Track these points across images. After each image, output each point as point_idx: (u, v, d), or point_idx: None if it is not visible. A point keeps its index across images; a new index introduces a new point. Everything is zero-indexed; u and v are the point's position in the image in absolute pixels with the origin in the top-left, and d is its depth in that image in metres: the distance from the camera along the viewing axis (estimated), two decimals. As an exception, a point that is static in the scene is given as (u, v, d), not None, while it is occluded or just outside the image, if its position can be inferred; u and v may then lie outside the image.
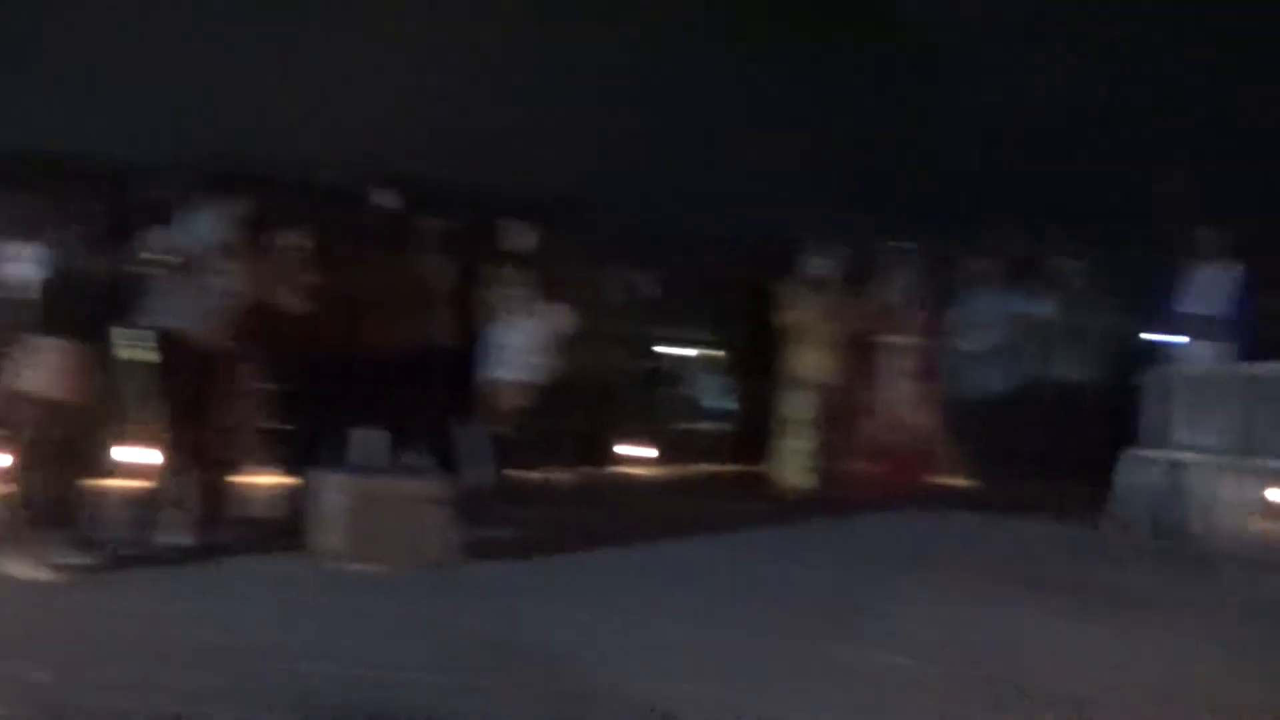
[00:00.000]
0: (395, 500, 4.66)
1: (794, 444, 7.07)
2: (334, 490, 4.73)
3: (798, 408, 7.07)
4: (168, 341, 4.67)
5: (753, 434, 7.88)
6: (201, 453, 4.80)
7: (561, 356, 6.36)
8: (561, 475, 6.79)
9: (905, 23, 8.39)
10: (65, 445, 4.34)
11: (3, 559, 4.36)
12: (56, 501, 4.41)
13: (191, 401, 4.71)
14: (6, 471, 4.82)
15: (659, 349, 10.76)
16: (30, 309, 4.37)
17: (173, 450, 4.78)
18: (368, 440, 5.94)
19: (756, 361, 7.71)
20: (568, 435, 6.89)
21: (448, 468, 5.47)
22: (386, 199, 5.71)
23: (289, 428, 5.84)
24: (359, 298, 5.38)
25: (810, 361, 7.05)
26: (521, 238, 6.19)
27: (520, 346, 6.01)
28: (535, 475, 6.61)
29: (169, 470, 4.79)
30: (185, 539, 4.88)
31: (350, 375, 5.46)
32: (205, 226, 4.77)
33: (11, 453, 4.41)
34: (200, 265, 4.70)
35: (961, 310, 7.15)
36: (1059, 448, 6.85)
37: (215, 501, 4.98)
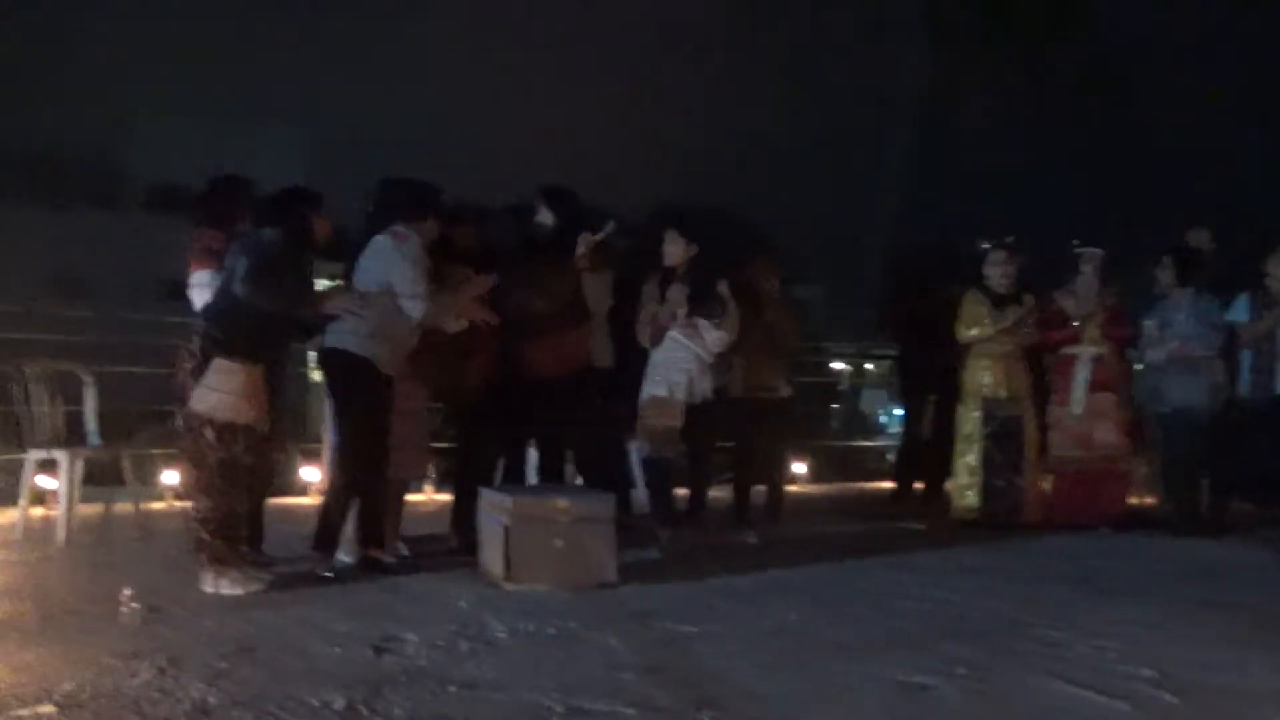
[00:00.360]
0: (556, 520, 4.61)
1: (970, 461, 6.73)
2: (496, 510, 4.72)
3: (975, 423, 6.72)
4: (349, 363, 4.74)
5: (922, 450, 7.57)
6: (374, 471, 4.87)
7: (721, 372, 6.23)
8: (722, 494, 6.66)
9: (1097, 27, 8.02)
10: (245, 466, 4.45)
11: (181, 577, 4.52)
12: (235, 520, 4.53)
13: (369, 422, 4.77)
14: (185, 490, 5.00)
15: (822, 362, 10.54)
16: (214, 332, 4.49)
17: (346, 470, 4.86)
18: (530, 460, 5.99)
19: (925, 373, 7.40)
20: (729, 453, 6.75)
21: (608, 487, 5.43)
22: (546, 216, 5.68)
23: (453, 446, 5.88)
24: (520, 316, 5.37)
25: (989, 374, 6.70)
26: (681, 250, 6.07)
27: (679, 363, 5.89)
28: (696, 493, 6.49)
29: (342, 490, 4.86)
30: (355, 557, 4.97)
31: (512, 394, 5.45)
32: (388, 251, 4.83)
33: (193, 473, 4.56)
34: (384, 289, 4.77)
35: (1152, 318, 6.66)
36: (1260, 467, 6.33)
37: (385, 519, 5.05)
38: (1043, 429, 6.77)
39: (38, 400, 5.77)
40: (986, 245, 6.77)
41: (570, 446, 5.80)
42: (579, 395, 5.52)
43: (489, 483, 5.41)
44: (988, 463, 6.66)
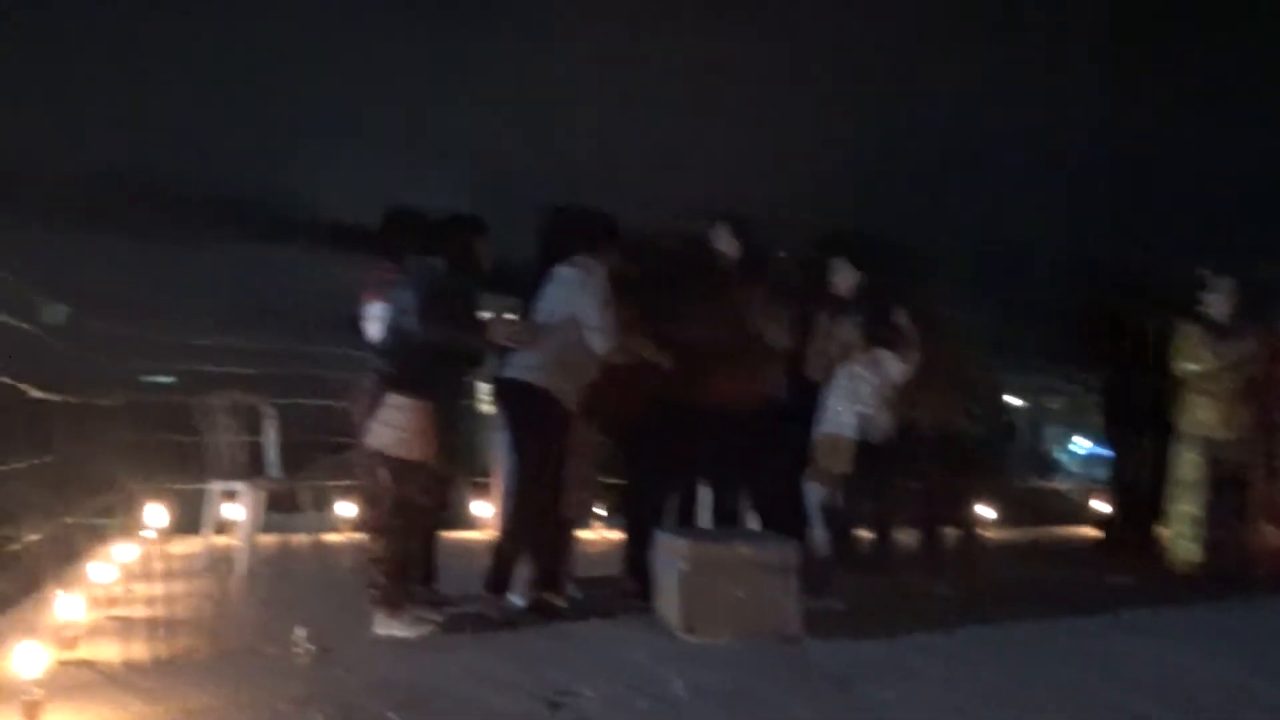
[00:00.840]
0: (737, 567, 4.32)
1: (1189, 509, 6.10)
2: (673, 554, 4.47)
3: (1194, 467, 6.09)
4: (529, 396, 4.59)
5: (1123, 494, 6.94)
6: (548, 509, 4.71)
7: (901, 407, 5.82)
8: (904, 538, 6.20)
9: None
10: (419, 505, 4.34)
11: (353, 616, 4.43)
12: (409, 560, 4.42)
13: (547, 457, 4.61)
14: (361, 526, 4.95)
15: (1007, 397, 9.88)
16: (387, 368, 4.42)
17: (522, 508, 4.70)
18: (707, 500, 5.73)
19: (1136, 410, 6.77)
20: (909, 494, 6.30)
21: (788, 531, 5.11)
22: (729, 245, 5.42)
23: (627, 483, 5.65)
24: (701, 347, 5.12)
25: (1210, 413, 6.06)
26: (851, 279, 5.74)
27: (857, 398, 5.52)
28: (876, 538, 6.06)
29: (516, 529, 4.71)
30: (528, 600, 4.80)
31: (688, 429, 5.20)
32: (574, 282, 4.69)
33: (368, 511, 4.49)
34: (567, 320, 4.62)
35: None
36: None
37: (559, 560, 4.87)
38: (1272, 473, 6.09)
39: (222, 431, 5.86)
40: (1206, 270, 6.15)
41: (748, 486, 5.49)
42: (760, 431, 5.23)
43: (659, 522, 5.17)
44: (1209, 511, 6.02)
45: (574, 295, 4.67)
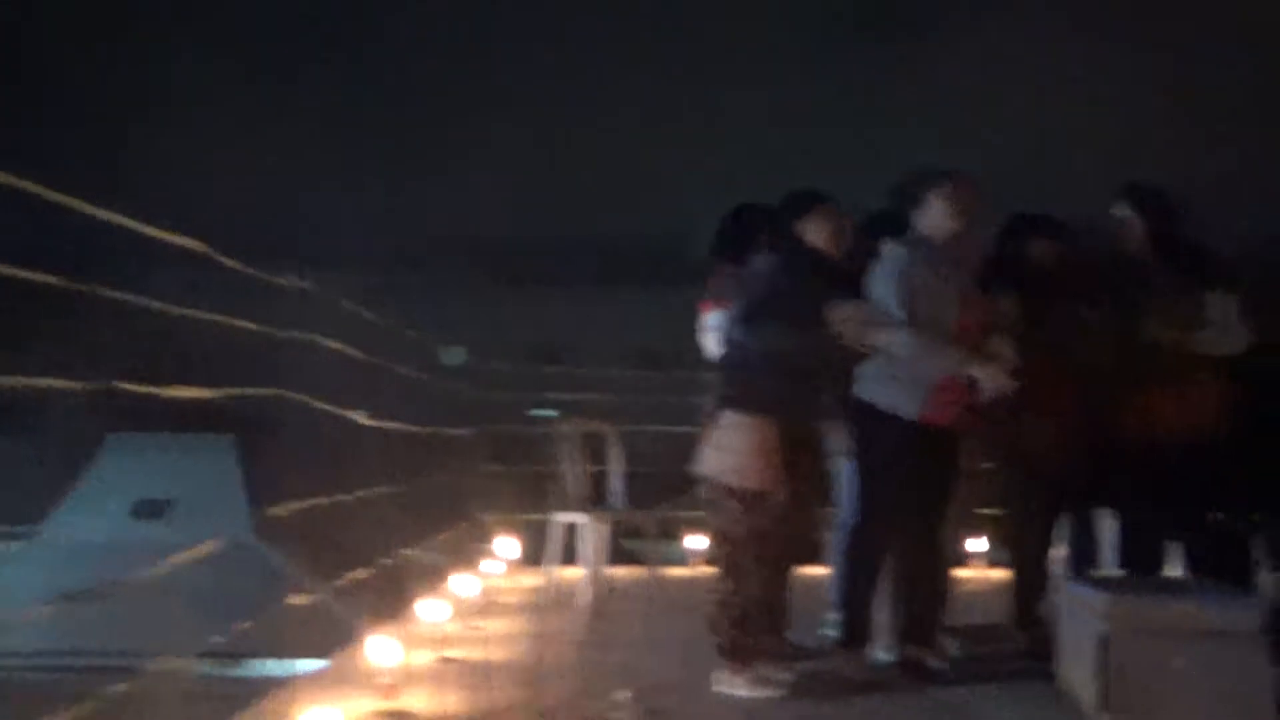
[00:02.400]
0: (1180, 631, 3.27)
1: None
2: (1086, 610, 3.48)
3: None
4: (883, 420, 3.84)
5: None
6: (926, 550, 3.91)
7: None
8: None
9: None
10: (772, 542, 3.67)
11: (693, 669, 3.83)
12: (759, 607, 3.75)
13: (917, 492, 3.82)
14: (709, 561, 4.37)
15: None
16: (725, 382, 3.80)
17: (861, 544, 3.93)
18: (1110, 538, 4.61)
19: None
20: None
21: (1237, 582, 3.95)
22: (1135, 225, 4.32)
23: (1016, 513, 4.64)
24: (1136, 357, 4.09)
25: None
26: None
27: None
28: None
29: (855, 566, 3.93)
30: (896, 655, 4.00)
31: (1107, 455, 4.18)
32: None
33: (714, 549, 3.88)
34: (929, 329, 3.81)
35: None
36: None
37: (933, 608, 4.02)
38: None
39: (569, 461, 5.53)
40: None
41: (1177, 520, 4.32)
42: (1207, 463, 4.09)
43: (1077, 570, 4.19)
44: None
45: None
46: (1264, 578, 4.58)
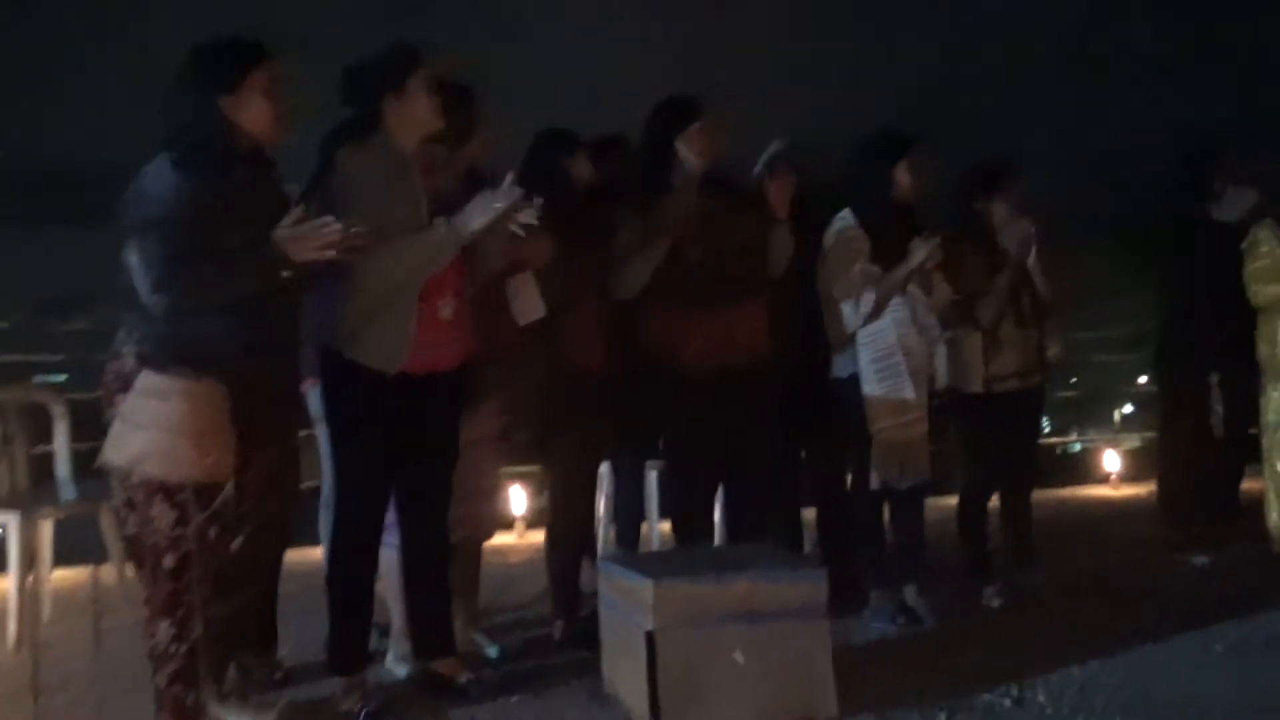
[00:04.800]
0: (736, 619, 2.73)
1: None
2: (629, 600, 2.86)
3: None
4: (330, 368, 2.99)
5: (1200, 448, 5.44)
6: (437, 535, 3.15)
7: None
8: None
9: None
10: (220, 552, 2.62)
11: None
12: (215, 648, 2.71)
13: (368, 458, 3.00)
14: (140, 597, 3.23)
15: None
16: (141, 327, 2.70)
17: (339, 536, 3.11)
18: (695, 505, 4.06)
19: (1203, 344, 5.27)
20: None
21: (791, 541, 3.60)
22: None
23: (553, 477, 3.97)
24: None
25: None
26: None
27: (916, 330, 3.85)
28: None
29: (337, 567, 3.07)
30: (412, 669, 3.18)
31: (645, 390, 3.63)
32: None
33: (139, 574, 2.76)
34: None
35: None
36: None
37: (444, 605, 3.23)
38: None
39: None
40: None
41: (724, 473, 3.86)
42: (760, 395, 3.66)
43: (621, 547, 3.64)
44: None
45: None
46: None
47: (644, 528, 4.33)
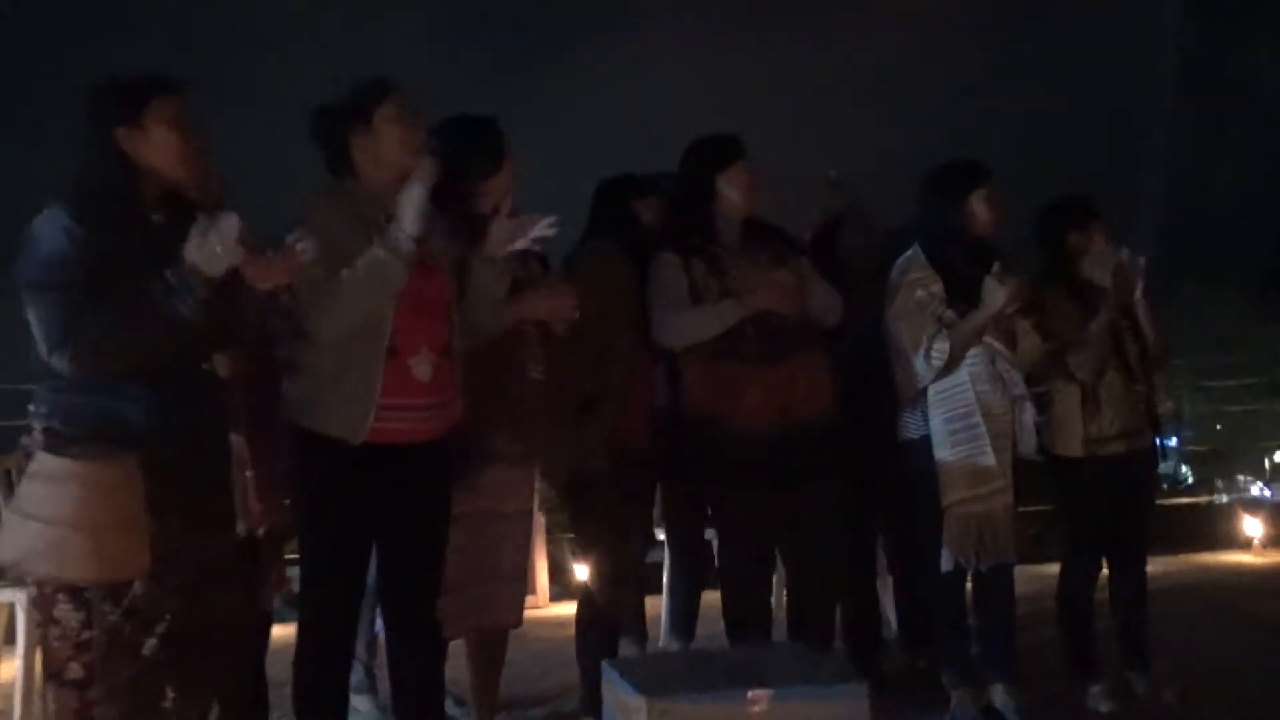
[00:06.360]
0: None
1: None
2: (626, 714, 2.38)
3: None
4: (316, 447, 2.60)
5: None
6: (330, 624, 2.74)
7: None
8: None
9: None
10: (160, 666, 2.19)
11: None
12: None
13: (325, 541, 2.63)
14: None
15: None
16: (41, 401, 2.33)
17: (305, 626, 2.70)
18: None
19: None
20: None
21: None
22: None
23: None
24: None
25: None
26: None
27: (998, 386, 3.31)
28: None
29: (304, 656, 2.67)
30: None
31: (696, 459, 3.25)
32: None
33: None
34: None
35: None
36: None
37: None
38: None
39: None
40: None
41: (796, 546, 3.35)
42: (822, 457, 3.20)
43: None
44: None
45: None
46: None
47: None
